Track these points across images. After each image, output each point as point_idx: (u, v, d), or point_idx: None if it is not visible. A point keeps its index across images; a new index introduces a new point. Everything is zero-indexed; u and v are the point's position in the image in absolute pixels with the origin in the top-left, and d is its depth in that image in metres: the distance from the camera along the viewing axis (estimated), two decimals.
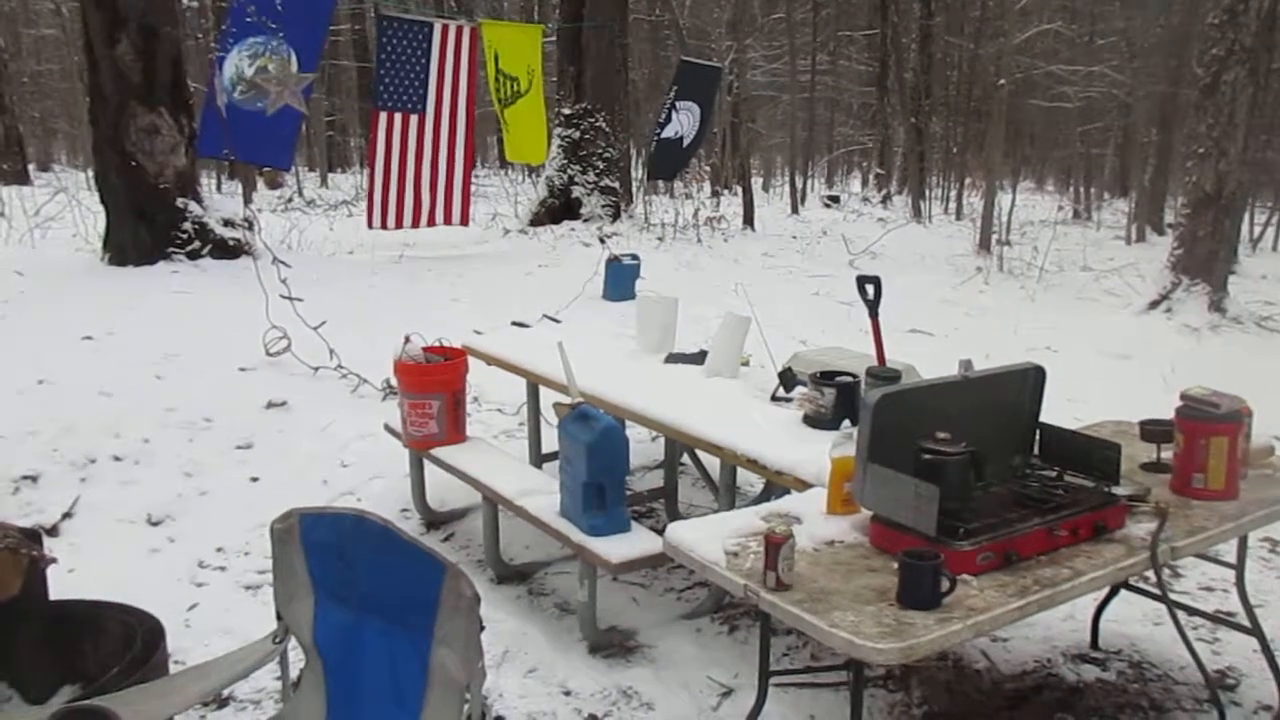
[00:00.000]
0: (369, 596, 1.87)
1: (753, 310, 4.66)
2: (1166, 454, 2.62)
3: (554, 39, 12.41)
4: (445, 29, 9.06)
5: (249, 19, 7.11)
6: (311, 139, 24.82)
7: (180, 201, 6.89)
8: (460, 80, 9.21)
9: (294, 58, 7.81)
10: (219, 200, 8.05)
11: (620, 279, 7.68)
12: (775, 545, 1.98)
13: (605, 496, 3.08)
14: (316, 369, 5.36)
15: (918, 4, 22.18)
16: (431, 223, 9.48)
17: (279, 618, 2.00)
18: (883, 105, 23.05)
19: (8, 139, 13.62)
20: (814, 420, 3.10)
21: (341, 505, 4.23)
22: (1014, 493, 2.33)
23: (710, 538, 2.23)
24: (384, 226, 9.19)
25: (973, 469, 2.23)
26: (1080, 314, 8.52)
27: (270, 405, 4.96)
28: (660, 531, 3.33)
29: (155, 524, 3.94)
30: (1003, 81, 12.38)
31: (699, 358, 3.84)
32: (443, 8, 22.37)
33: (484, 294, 7.53)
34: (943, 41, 22.86)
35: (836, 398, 3.06)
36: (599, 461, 3.05)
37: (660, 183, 13.72)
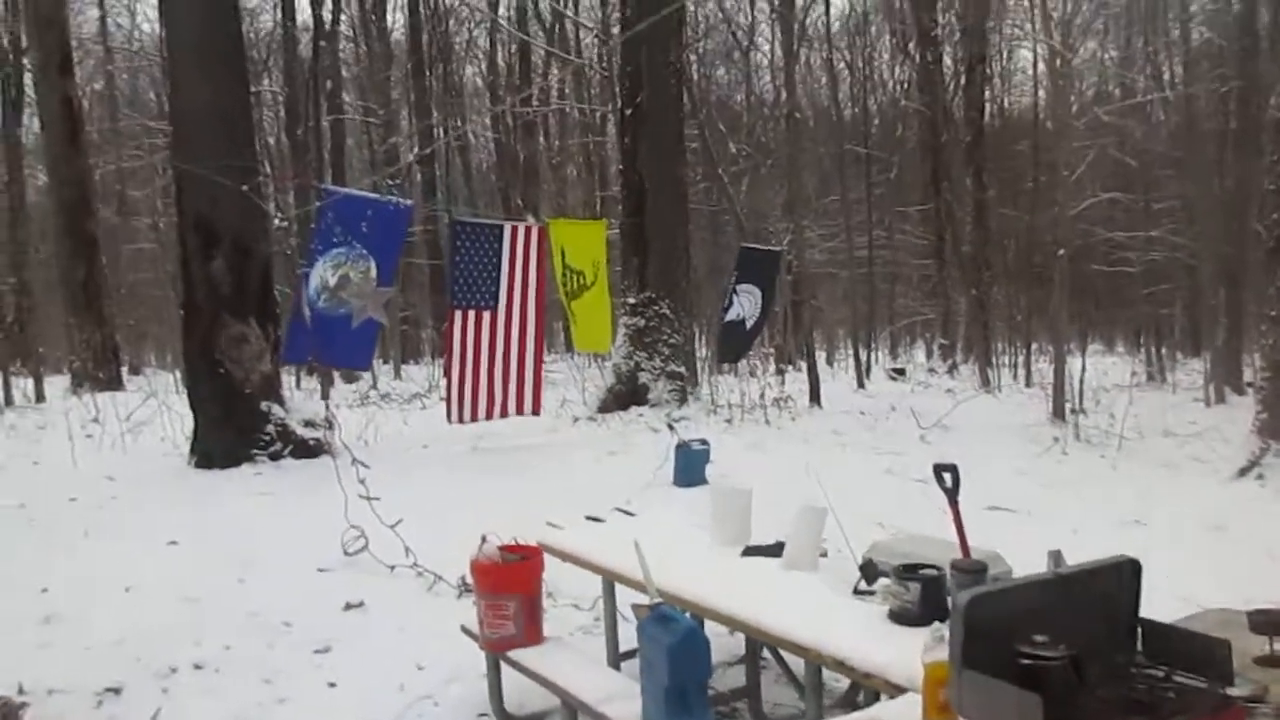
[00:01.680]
0: None
1: (826, 496, 4.61)
2: None
3: (617, 230, 12.94)
4: (515, 229, 9.51)
5: (335, 239, 7.57)
6: (387, 333, 25.82)
7: (264, 405, 7.18)
8: (530, 276, 9.58)
9: (374, 266, 8.24)
10: (300, 401, 8.37)
11: (690, 465, 7.68)
12: None
13: (688, 701, 2.99)
14: (393, 567, 5.39)
15: (970, 179, 22.74)
16: (504, 414, 9.67)
17: None
18: (942, 277, 23.32)
19: (104, 349, 14.43)
20: (899, 616, 3.01)
21: (421, 710, 4.18)
22: (1121, 697, 2.21)
23: None
24: (460, 421, 9.40)
25: (1075, 673, 2.14)
26: (1167, 482, 8.25)
27: (348, 607, 4.98)
28: None
29: None
30: (1062, 251, 12.50)
31: (777, 549, 3.78)
32: (509, 208, 23.56)
33: (556, 484, 7.57)
34: (998, 214, 23.28)
35: (922, 592, 2.98)
36: (681, 665, 2.97)
37: (726, 365, 13.91)
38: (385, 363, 25.79)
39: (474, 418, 9.50)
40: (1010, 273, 23.37)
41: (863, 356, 20.28)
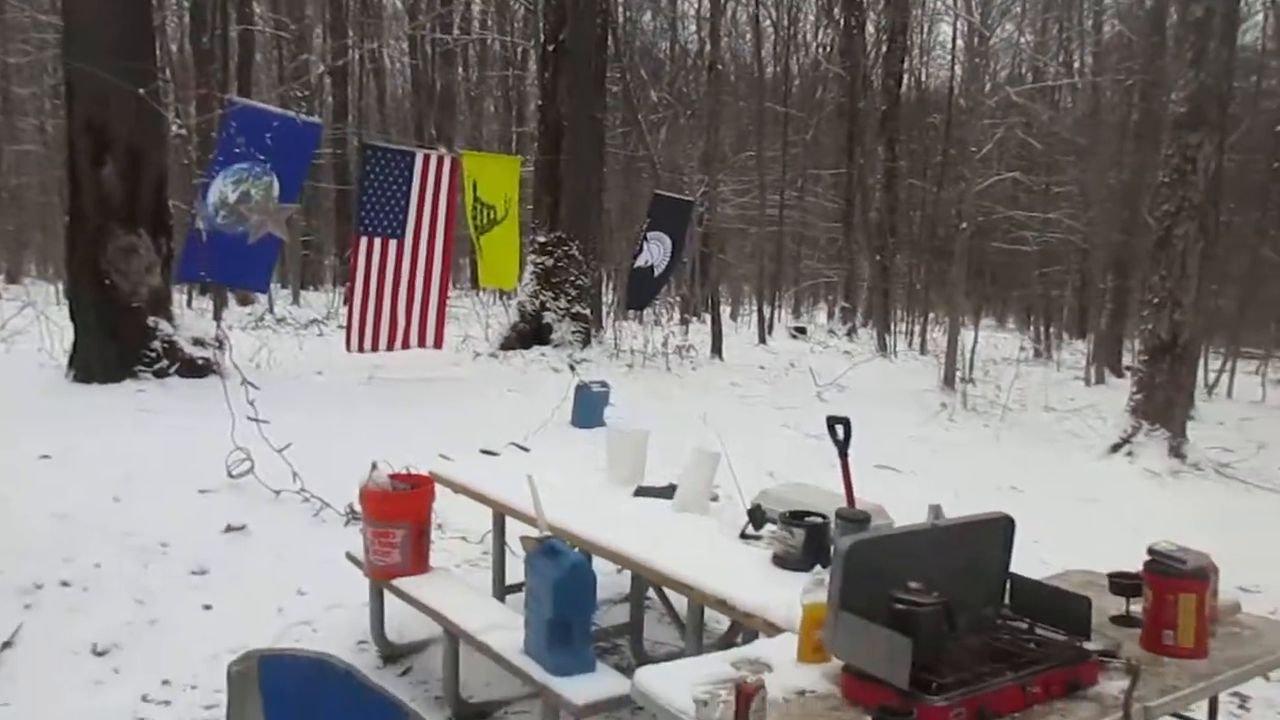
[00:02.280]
0: None
1: (721, 444, 4.66)
2: (1136, 607, 2.61)
3: (532, 168, 12.73)
4: (427, 158, 9.26)
5: (238, 150, 7.24)
6: (287, 257, 25.07)
7: (151, 320, 6.86)
8: (439, 207, 9.37)
9: (277, 184, 7.93)
10: (190, 319, 8.04)
11: (589, 406, 7.69)
12: (747, 697, 1.94)
13: (571, 634, 3.02)
14: (279, 492, 5.27)
15: (882, 148, 23.07)
16: (406, 345, 9.49)
17: None
18: (848, 241, 23.71)
19: None
20: (783, 560, 3.08)
21: (298, 635, 4.12)
22: (986, 645, 2.30)
23: (679, 685, 2.17)
24: (360, 350, 9.19)
25: (945, 620, 2.22)
26: (1044, 454, 8.61)
27: (229, 529, 4.86)
28: (624, 669, 3.26)
29: (100, 654, 3.80)
30: (964, 225, 12.81)
31: (669, 491, 3.82)
32: (423, 137, 22.97)
33: (453, 418, 7.49)
34: (907, 184, 23.71)
35: (806, 538, 3.05)
36: (566, 598, 3.00)
37: (632, 311, 13.90)
38: (284, 287, 25.03)
39: (374, 348, 9.29)
40: (914, 243, 23.89)
41: (766, 313, 20.55)
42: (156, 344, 6.84)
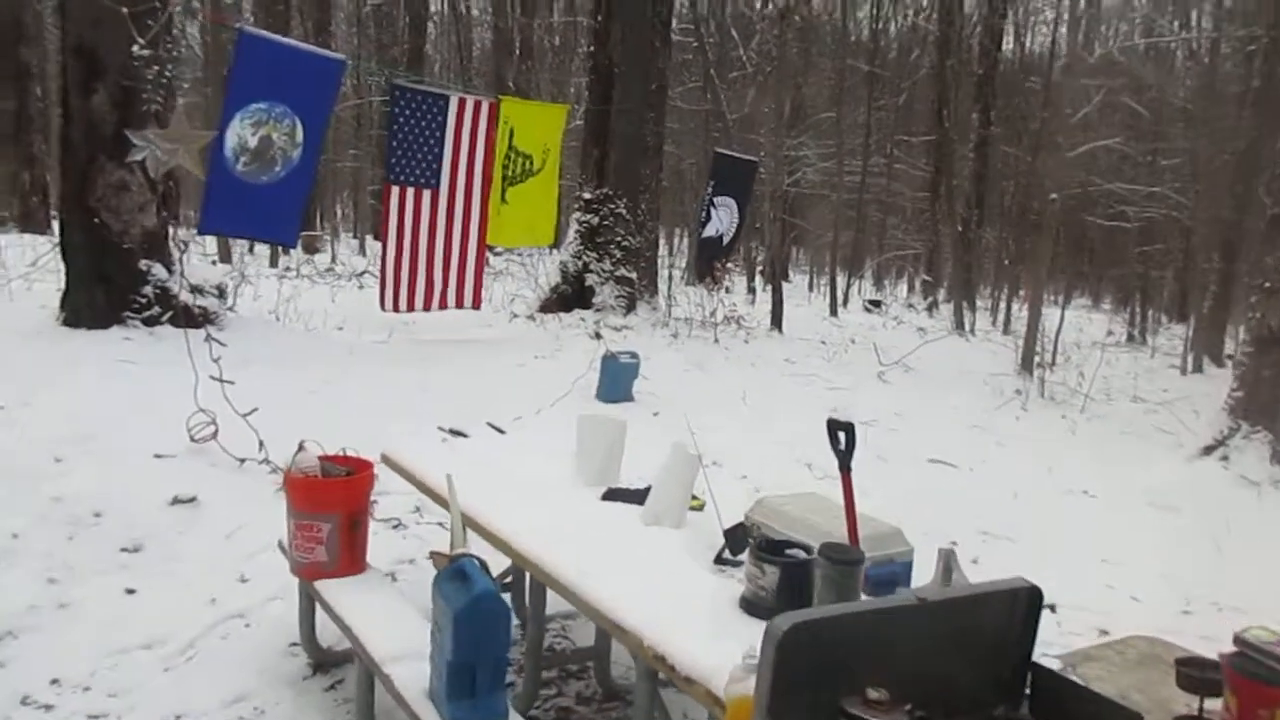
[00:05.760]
0: None
1: (696, 444, 3.99)
2: (1214, 705, 1.89)
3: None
4: (462, 102, 8.67)
5: (255, 93, 6.64)
6: (356, 205, 24.95)
7: (144, 264, 6.41)
8: (476, 156, 8.79)
9: (300, 127, 7.40)
10: (198, 265, 7.56)
11: (616, 378, 7.06)
12: None
13: (475, 681, 2.40)
14: (243, 461, 4.77)
15: (977, 114, 21.75)
16: (444, 305, 8.98)
17: None
18: (934, 211, 22.51)
19: (34, 188, 13.45)
20: (752, 605, 2.39)
21: (227, 630, 3.61)
22: None
23: None
24: (395, 309, 8.70)
25: None
26: (1126, 452, 7.70)
27: (175, 501, 4.36)
28: (588, 700, 2.64)
29: None
30: (1054, 196, 11.75)
31: (643, 495, 3.16)
32: (502, 86, 22.36)
33: (465, 385, 6.92)
34: (1000, 151, 22.35)
35: (780, 580, 2.35)
36: (468, 637, 2.37)
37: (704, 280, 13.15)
38: (354, 237, 25.06)
39: (409, 307, 8.80)
40: (1005, 215, 22.57)
41: (842, 284, 19.59)
42: (148, 290, 6.39)
